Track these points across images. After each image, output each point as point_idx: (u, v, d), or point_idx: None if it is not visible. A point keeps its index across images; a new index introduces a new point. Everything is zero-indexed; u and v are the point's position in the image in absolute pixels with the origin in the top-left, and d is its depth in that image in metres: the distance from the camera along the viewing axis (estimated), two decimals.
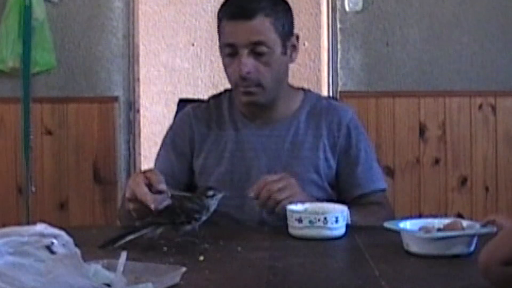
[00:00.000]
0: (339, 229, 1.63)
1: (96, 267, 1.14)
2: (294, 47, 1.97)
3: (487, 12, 3.73)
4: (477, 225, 1.47)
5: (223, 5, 1.93)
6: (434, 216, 3.14)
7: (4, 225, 1.15)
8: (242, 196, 1.88)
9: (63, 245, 1.09)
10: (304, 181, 1.88)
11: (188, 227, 1.57)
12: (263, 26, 1.86)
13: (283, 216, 1.67)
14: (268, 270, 1.33)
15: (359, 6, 3.72)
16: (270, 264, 1.37)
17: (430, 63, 3.75)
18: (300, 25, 4.68)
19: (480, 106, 3.74)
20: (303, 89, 2.06)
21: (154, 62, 4.87)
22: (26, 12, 3.58)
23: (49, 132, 3.73)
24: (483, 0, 3.73)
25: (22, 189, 3.69)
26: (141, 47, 4.04)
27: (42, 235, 1.08)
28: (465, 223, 1.49)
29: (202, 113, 2.03)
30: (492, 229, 1.42)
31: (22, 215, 3.67)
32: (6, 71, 3.66)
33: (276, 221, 1.75)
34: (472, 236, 1.44)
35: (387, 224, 1.51)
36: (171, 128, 2.07)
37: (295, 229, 1.63)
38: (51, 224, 1.13)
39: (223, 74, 2.02)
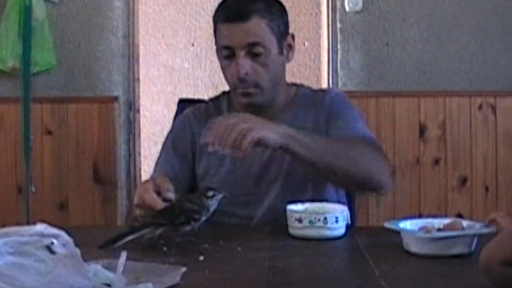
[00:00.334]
0: (339, 229, 1.63)
1: (96, 267, 1.14)
2: (290, 47, 1.98)
3: (487, 12, 3.73)
4: (477, 225, 1.47)
5: (218, 9, 1.94)
6: (434, 216, 3.14)
7: (4, 225, 1.15)
8: (247, 194, 1.89)
9: (63, 245, 1.09)
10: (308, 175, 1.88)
11: (187, 228, 1.57)
12: (258, 27, 1.87)
13: (251, 154, 1.67)
14: (268, 270, 1.33)
15: (359, 6, 3.72)
16: (270, 264, 1.37)
17: (430, 63, 3.75)
18: (300, 25, 4.68)
19: (480, 106, 3.74)
20: (295, 84, 2.07)
21: (154, 62, 4.87)
22: (26, 12, 3.58)
23: (49, 132, 3.73)
24: (483, 0, 3.73)
25: (22, 189, 3.69)
26: (141, 47, 4.04)
27: (42, 235, 1.08)
28: (465, 223, 1.49)
29: (202, 115, 2.03)
30: (492, 229, 1.42)
31: (22, 215, 3.67)
32: (6, 71, 3.66)
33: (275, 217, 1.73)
34: (472, 236, 1.44)
35: (387, 224, 1.51)
36: (170, 131, 2.07)
37: (295, 229, 1.63)
38: (51, 224, 1.13)
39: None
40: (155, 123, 4.64)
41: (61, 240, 1.09)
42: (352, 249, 1.57)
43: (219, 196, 1.63)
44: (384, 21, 3.74)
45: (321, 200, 1.81)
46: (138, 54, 3.85)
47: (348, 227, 1.67)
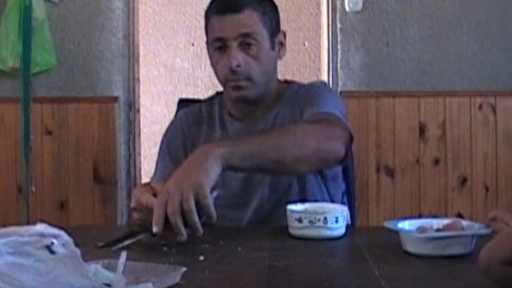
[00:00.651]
0: (339, 229, 1.63)
1: (96, 267, 1.14)
2: (282, 44, 1.98)
3: (487, 12, 3.73)
4: (476, 226, 1.47)
5: (210, 4, 1.95)
6: (434, 216, 3.14)
7: (4, 225, 1.15)
8: (235, 196, 1.90)
9: (63, 245, 1.09)
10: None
11: (187, 230, 1.57)
12: (251, 19, 1.88)
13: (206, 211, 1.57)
14: (268, 270, 1.33)
15: (359, 6, 3.72)
16: (270, 264, 1.37)
17: (430, 63, 3.75)
18: (300, 25, 4.68)
19: (480, 106, 3.74)
20: (286, 81, 2.05)
21: (154, 62, 4.87)
22: (26, 12, 3.59)
23: (49, 132, 3.73)
24: (483, 0, 3.73)
25: (22, 189, 3.70)
26: (141, 47, 4.04)
27: (42, 235, 1.08)
28: (464, 223, 1.49)
29: (194, 117, 2.04)
30: (490, 230, 1.42)
31: (22, 215, 3.67)
32: (6, 71, 3.66)
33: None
34: (470, 236, 1.44)
35: (386, 224, 1.51)
36: (165, 135, 2.07)
37: (295, 229, 1.63)
38: (51, 224, 1.13)
39: None
40: (155, 123, 4.65)
41: (61, 240, 1.09)
42: (352, 249, 1.57)
43: (214, 193, 1.63)
44: (384, 21, 3.74)
45: (306, 200, 1.81)
46: (138, 54, 3.85)
47: (348, 227, 1.67)
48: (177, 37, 4.89)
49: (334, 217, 1.62)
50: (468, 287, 1.23)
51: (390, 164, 3.72)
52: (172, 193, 1.51)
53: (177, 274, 1.21)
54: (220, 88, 2.04)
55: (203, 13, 1.98)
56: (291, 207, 1.67)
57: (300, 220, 1.61)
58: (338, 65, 3.75)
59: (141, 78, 3.91)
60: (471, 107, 3.74)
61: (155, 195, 1.64)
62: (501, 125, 3.73)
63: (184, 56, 4.88)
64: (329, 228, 1.61)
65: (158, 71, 4.90)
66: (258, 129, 1.94)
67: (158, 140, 2.08)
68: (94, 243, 1.49)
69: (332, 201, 1.92)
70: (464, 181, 3.73)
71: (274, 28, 1.94)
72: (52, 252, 1.06)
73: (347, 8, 3.72)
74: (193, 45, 4.82)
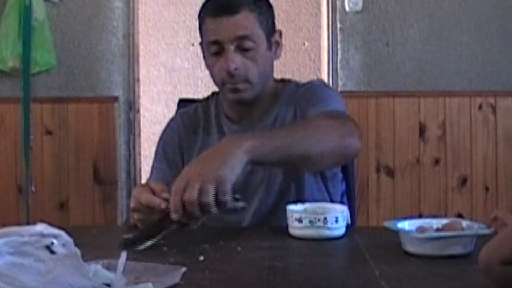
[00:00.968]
0: (339, 229, 1.63)
1: (96, 267, 1.14)
2: (278, 44, 1.95)
3: (487, 12, 3.73)
4: (476, 226, 1.47)
5: (204, 5, 1.91)
6: (434, 216, 3.14)
7: (4, 225, 1.15)
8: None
9: (63, 245, 1.09)
10: (297, 174, 1.87)
11: (198, 222, 1.55)
12: (248, 21, 1.85)
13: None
14: (268, 270, 1.33)
15: (359, 6, 3.72)
16: (270, 264, 1.37)
17: (430, 63, 3.75)
18: (300, 25, 4.68)
19: (480, 106, 3.74)
20: (283, 80, 2.02)
21: (154, 62, 4.87)
22: (26, 12, 3.59)
23: (49, 132, 3.73)
24: (483, 0, 3.73)
25: (22, 189, 3.70)
26: (141, 47, 4.04)
27: (42, 235, 1.08)
28: (464, 223, 1.49)
29: (190, 119, 2.01)
30: (489, 230, 1.42)
31: (22, 215, 3.67)
32: (6, 71, 3.66)
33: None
34: (470, 237, 1.44)
35: (386, 224, 1.51)
36: (161, 137, 2.05)
37: (295, 229, 1.63)
38: (51, 224, 1.13)
39: None
40: (155, 123, 4.65)
41: (61, 240, 1.09)
42: (352, 249, 1.57)
43: (240, 204, 1.56)
44: (384, 21, 3.75)
45: (303, 201, 1.81)
46: (138, 54, 3.85)
47: (348, 227, 1.67)
48: (177, 37, 4.89)
49: (334, 217, 1.62)
50: (468, 287, 1.23)
51: (390, 164, 3.72)
52: (192, 181, 1.46)
53: (177, 274, 1.21)
54: (217, 89, 2.02)
55: None
56: (291, 207, 1.67)
57: (300, 220, 1.61)
58: (338, 65, 3.75)
59: (141, 78, 3.91)
60: (471, 107, 3.74)
61: (154, 194, 1.64)
62: (501, 125, 3.73)
63: (184, 56, 4.89)
64: (329, 228, 1.61)
65: (158, 71, 4.90)
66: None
67: (158, 140, 2.08)
68: (94, 243, 1.49)
69: (332, 201, 1.91)
70: (464, 181, 3.73)
71: (271, 28, 1.91)
72: (52, 252, 1.06)
73: (347, 8, 3.73)
74: (193, 45, 4.82)
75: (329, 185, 1.95)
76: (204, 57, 1.95)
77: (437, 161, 3.74)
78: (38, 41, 3.63)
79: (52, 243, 1.07)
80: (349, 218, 1.71)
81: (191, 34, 4.83)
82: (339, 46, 3.75)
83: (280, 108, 1.93)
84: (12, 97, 3.69)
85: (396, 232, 1.48)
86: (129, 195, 3.70)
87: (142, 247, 1.48)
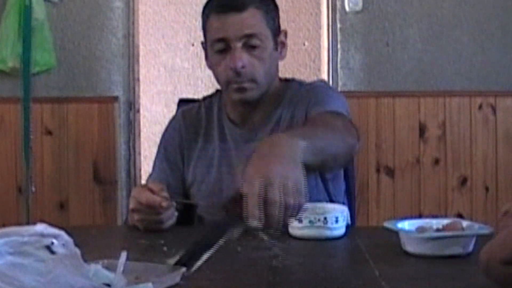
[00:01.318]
0: (339, 229, 1.63)
1: (96, 267, 1.14)
2: (283, 44, 1.92)
3: (487, 12, 3.73)
4: (476, 226, 1.47)
5: (208, 2, 1.87)
6: (434, 216, 3.14)
7: (4, 225, 1.15)
8: None
9: (63, 245, 1.09)
10: None
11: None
12: (255, 18, 1.81)
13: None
14: (268, 270, 1.33)
15: (359, 6, 3.72)
16: (270, 264, 1.37)
17: (430, 63, 3.75)
18: (300, 25, 4.68)
19: (480, 106, 3.74)
20: (287, 79, 1.99)
21: (154, 62, 4.87)
22: (26, 12, 3.59)
23: (49, 132, 3.73)
24: (483, 0, 3.73)
25: (22, 189, 3.69)
26: (141, 47, 4.04)
27: (42, 235, 1.08)
28: (464, 223, 1.49)
29: (192, 118, 1.99)
30: (490, 230, 1.42)
31: (22, 215, 3.67)
32: (6, 71, 3.66)
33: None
34: (470, 237, 1.43)
35: (386, 224, 1.51)
36: (163, 136, 2.03)
37: (295, 229, 1.63)
38: (51, 224, 1.13)
39: None
40: (155, 123, 4.65)
41: (61, 240, 1.09)
42: (352, 249, 1.57)
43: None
44: (384, 21, 3.74)
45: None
46: (138, 54, 3.85)
47: (348, 227, 1.67)
48: (177, 37, 4.89)
49: (334, 217, 1.62)
50: (468, 287, 1.23)
51: (390, 164, 3.72)
52: (273, 182, 1.23)
53: (177, 274, 1.21)
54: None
55: None
56: None
57: (300, 220, 1.61)
58: (338, 65, 3.75)
59: (141, 78, 3.91)
60: (471, 107, 3.74)
61: (153, 194, 1.64)
62: (501, 125, 3.73)
63: (184, 56, 4.88)
64: (329, 228, 1.61)
65: (158, 71, 4.90)
66: (258, 137, 1.88)
67: (158, 140, 2.07)
68: (94, 243, 1.49)
69: (332, 201, 1.90)
70: (464, 181, 3.73)
71: (277, 28, 1.88)
72: (52, 252, 1.06)
73: (347, 8, 3.72)
74: (193, 45, 4.82)
75: (329, 186, 1.95)
76: (206, 56, 1.92)
77: (437, 161, 3.74)
78: (38, 41, 3.63)
79: (52, 243, 1.07)
80: (349, 218, 1.71)
81: (191, 34, 4.83)
82: (339, 46, 3.75)
83: (282, 111, 1.91)
84: (12, 97, 3.69)
85: (396, 232, 1.48)
86: (129, 195, 3.68)
87: (199, 263, 1.27)
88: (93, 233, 1.74)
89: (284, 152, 1.32)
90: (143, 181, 2.72)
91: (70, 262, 1.06)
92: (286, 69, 4.49)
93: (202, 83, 4.81)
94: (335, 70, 3.75)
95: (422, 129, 3.74)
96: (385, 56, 3.75)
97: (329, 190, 1.94)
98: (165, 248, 1.51)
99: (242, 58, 1.80)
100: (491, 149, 3.73)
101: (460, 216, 3.59)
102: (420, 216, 3.53)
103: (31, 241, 1.05)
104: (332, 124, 1.68)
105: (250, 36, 1.81)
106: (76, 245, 1.13)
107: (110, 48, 3.76)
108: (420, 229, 1.46)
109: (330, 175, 1.94)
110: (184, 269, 1.22)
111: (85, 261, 1.13)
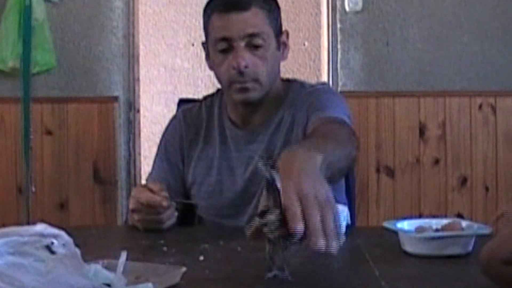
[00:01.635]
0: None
1: (96, 267, 1.14)
2: (285, 45, 1.91)
3: (487, 12, 3.73)
4: (476, 226, 1.47)
5: (210, 1, 1.86)
6: (434, 216, 3.14)
7: (4, 225, 1.15)
8: (232, 206, 1.87)
9: (63, 245, 1.09)
10: None
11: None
12: (258, 18, 1.81)
13: None
14: (268, 270, 1.32)
15: (359, 6, 3.72)
16: (270, 264, 1.37)
17: (430, 63, 3.75)
18: (300, 25, 4.68)
19: (480, 106, 3.74)
20: (288, 80, 1.98)
21: (154, 62, 4.87)
22: (26, 12, 3.59)
23: (49, 132, 3.73)
24: (483, 0, 3.73)
25: (22, 189, 3.70)
26: (141, 47, 4.04)
27: (42, 235, 1.08)
28: (464, 223, 1.49)
29: (192, 118, 1.98)
30: (489, 230, 1.42)
31: (22, 215, 3.67)
32: (6, 71, 3.66)
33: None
34: (469, 237, 1.43)
35: (386, 224, 1.51)
36: (163, 136, 2.02)
37: None
38: (51, 224, 1.13)
39: None
40: (155, 123, 4.65)
41: (61, 240, 1.09)
42: (352, 249, 1.57)
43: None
44: (384, 21, 3.75)
45: None
46: (138, 54, 3.85)
47: (348, 227, 1.67)
48: (177, 37, 4.89)
49: None
50: (468, 287, 1.23)
51: (390, 164, 3.72)
52: (308, 196, 1.17)
53: (177, 274, 1.21)
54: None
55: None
56: None
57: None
58: (338, 65, 3.75)
59: (141, 78, 3.91)
60: (471, 107, 3.74)
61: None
62: (501, 125, 3.73)
63: (184, 56, 4.88)
64: None
65: (158, 71, 4.90)
66: (259, 139, 1.88)
67: (158, 140, 2.07)
68: (94, 243, 1.49)
69: (349, 202, 1.88)
70: (464, 181, 3.73)
71: (279, 28, 1.88)
72: (52, 252, 1.06)
73: (347, 8, 3.73)
74: (193, 45, 4.82)
75: (333, 185, 1.93)
76: (206, 56, 1.91)
77: (437, 161, 3.74)
78: (38, 41, 3.63)
79: (52, 243, 1.07)
80: (349, 218, 1.71)
81: (191, 34, 4.83)
82: (339, 46, 3.75)
83: (284, 113, 1.89)
84: (12, 97, 3.69)
85: (396, 232, 1.48)
86: (129, 195, 3.68)
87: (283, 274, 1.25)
88: (93, 233, 1.74)
89: (307, 167, 1.28)
90: (143, 181, 2.73)
91: (70, 262, 1.06)
92: (286, 69, 4.49)
93: (202, 83, 4.81)
94: (335, 70, 3.75)
95: (422, 129, 3.74)
96: (385, 56, 3.75)
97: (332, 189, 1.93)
98: (165, 248, 1.51)
99: (245, 58, 1.79)
100: (491, 149, 3.73)
101: (460, 216, 3.60)
102: (420, 216, 3.53)
103: (31, 241, 1.05)
104: (339, 136, 1.64)
105: (253, 35, 1.80)
106: (76, 245, 1.13)
107: (110, 48, 3.76)
108: (420, 229, 1.46)
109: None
110: (184, 269, 1.22)
111: (85, 261, 1.13)
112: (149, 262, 1.29)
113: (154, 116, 4.77)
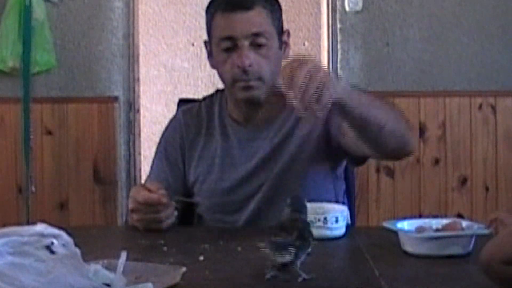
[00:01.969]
0: (339, 229, 1.63)
1: (96, 267, 1.14)
2: (287, 44, 1.93)
3: (487, 12, 3.73)
4: (475, 226, 1.47)
5: (213, 1, 1.87)
6: (434, 216, 3.14)
7: (4, 225, 1.15)
8: (234, 202, 1.87)
9: (63, 245, 1.09)
10: (306, 175, 1.85)
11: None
12: (261, 17, 1.82)
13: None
14: (268, 270, 1.32)
15: (359, 6, 3.72)
16: (270, 264, 1.37)
17: (430, 63, 3.75)
18: (300, 25, 4.68)
19: (480, 106, 3.74)
20: None
21: (154, 62, 4.87)
22: (26, 12, 3.59)
23: (49, 132, 3.73)
24: (483, 0, 3.73)
25: (22, 189, 3.69)
26: (141, 47, 4.04)
27: (42, 235, 1.08)
28: (464, 223, 1.49)
29: (192, 118, 1.98)
30: (488, 230, 1.42)
31: (22, 215, 3.67)
32: (6, 71, 3.66)
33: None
34: (469, 237, 1.43)
35: (386, 224, 1.51)
36: (163, 135, 2.03)
37: None
38: (51, 224, 1.13)
39: None
40: (155, 123, 4.64)
41: (61, 240, 1.09)
42: (352, 249, 1.58)
43: None
44: (384, 21, 3.74)
45: (310, 201, 1.79)
46: (138, 54, 3.85)
47: (348, 227, 1.67)
48: (177, 37, 4.89)
49: (334, 217, 1.62)
50: (468, 287, 1.24)
51: (390, 164, 3.72)
52: (302, 68, 1.38)
53: (177, 274, 1.21)
54: (221, 86, 1.99)
55: (203, 13, 1.90)
56: None
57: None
58: (338, 65, 3.75)
59: (141, 78, 3.91)
60: (471, 107, 3.74)
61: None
62: (501, 125, 3.73)
63: (184, 56, 4.88)
64: (329, 228, 1.61)
65: (158, 71, 4.89)
66: (263, 135, 1.89)
67: (158, 140, 2.06)
68: (94, 243, 1.49)
69: (337, 201, 1.89)
70: (464, 181, 3.73)
71: (281, 27, 1.89)
72: (52, 252, 1.06)
73: (347, 8, 3.72)
74: (193, 45, 4.82)
75: (337, 184, 1.94)
76: (209, 55, 1.91)
77: (437, 161, 3.74)
78: (38, 41, 3.63)
79: (52, 243, 1.07)
80: (349, 218, 1.71)
81: (191, 34, 4.83)
82: (339, 46, 3.75)
83: (288, 113, 1.88)
84: (12, 97, 3.68)
85: (396, 232, 1.48)
86: (129, 195, 3.69)
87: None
88: (93, 233, 1.74)
89: (324, 76, 1.40)
90: (143, 181, 2.73)
91: (70, 262, 1.06)
92: None
93: (202, 83, 4.81)
94: (335, 70, 3.75)
95: (422, 129, 3.74)
96: (385, 56, 3.75)
97: (336, 189, 1.92)
98: (165, 248, 1.51)
99: (249, 57, 1.80)
100: (491, 149, 3.73)
101: (460, 216, 3.59)
102: (420, 216, 3.53)
103: (31, 241, 1.05)
104: (395, 105, 1.72)
105: (257, 34, 1.81)
106: (76, 245, 1.13)
107: (110, 48, 3.76)
108: (420, 229, 1.46)
109: (339, 174, 1.93)
110: (184, 269, 1.22)
111: (85, 261, 1.13)
112: (149, 262, 1.29)
113: (154, 116, 4.77)
